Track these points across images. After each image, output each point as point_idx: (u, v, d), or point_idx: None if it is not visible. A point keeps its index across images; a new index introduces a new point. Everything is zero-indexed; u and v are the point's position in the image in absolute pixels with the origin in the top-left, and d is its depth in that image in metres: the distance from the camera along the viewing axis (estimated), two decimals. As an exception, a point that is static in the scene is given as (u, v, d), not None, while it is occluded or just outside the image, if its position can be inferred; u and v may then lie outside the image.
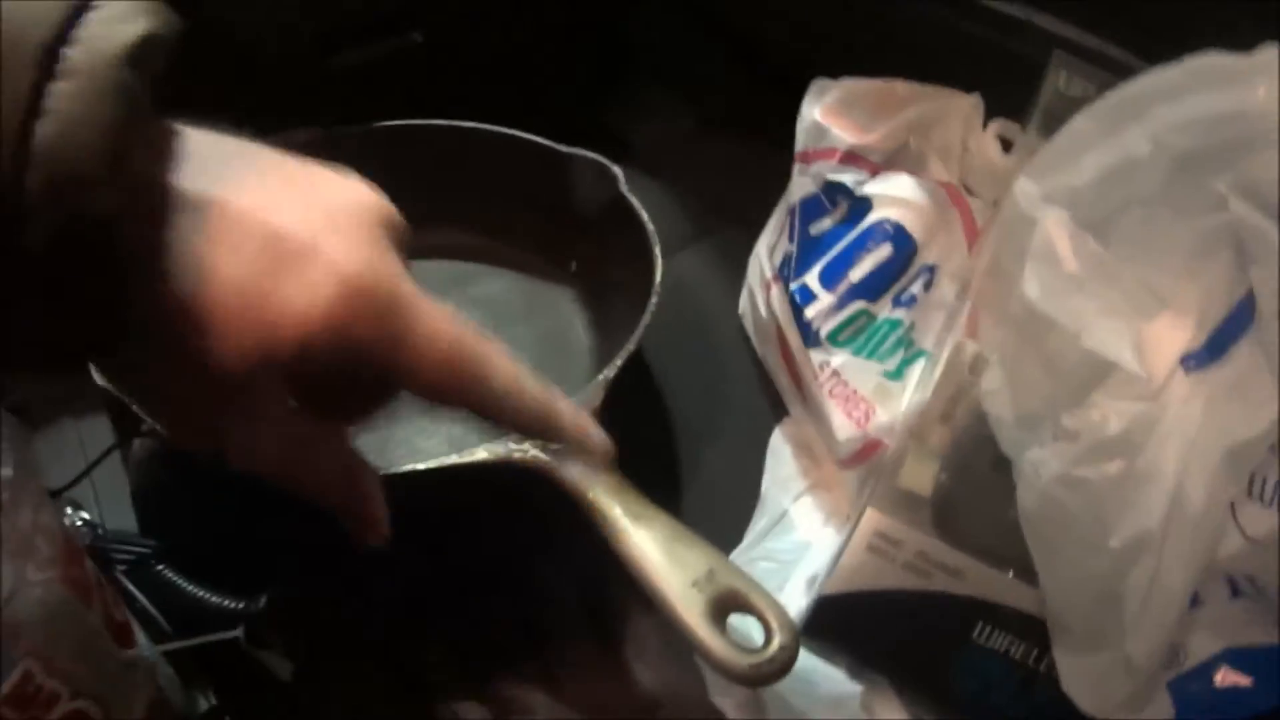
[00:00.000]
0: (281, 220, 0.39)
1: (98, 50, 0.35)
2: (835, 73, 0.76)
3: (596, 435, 0.51)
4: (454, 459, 0.60)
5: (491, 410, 0.45)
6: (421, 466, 0.60)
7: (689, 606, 0.50)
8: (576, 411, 0.50)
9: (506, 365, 0.45)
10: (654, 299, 0.68)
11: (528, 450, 0.58)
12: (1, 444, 0.47)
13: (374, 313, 0.40)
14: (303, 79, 0.85)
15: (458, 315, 0.43)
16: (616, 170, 0.78)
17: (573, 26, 0.99)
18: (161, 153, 0.39)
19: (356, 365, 0.41)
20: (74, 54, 0.35)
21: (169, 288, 0.38)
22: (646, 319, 0.67)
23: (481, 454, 0.60)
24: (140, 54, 0.36)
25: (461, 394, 0.44)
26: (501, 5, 0.93)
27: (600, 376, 0.64)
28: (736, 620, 0.51)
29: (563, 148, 0.81)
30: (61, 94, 0.34)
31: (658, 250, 0.71)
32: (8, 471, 0.45)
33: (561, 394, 0.49)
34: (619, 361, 0.65)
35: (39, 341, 0.38)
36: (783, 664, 0.49)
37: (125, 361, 0.42)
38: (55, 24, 0.35)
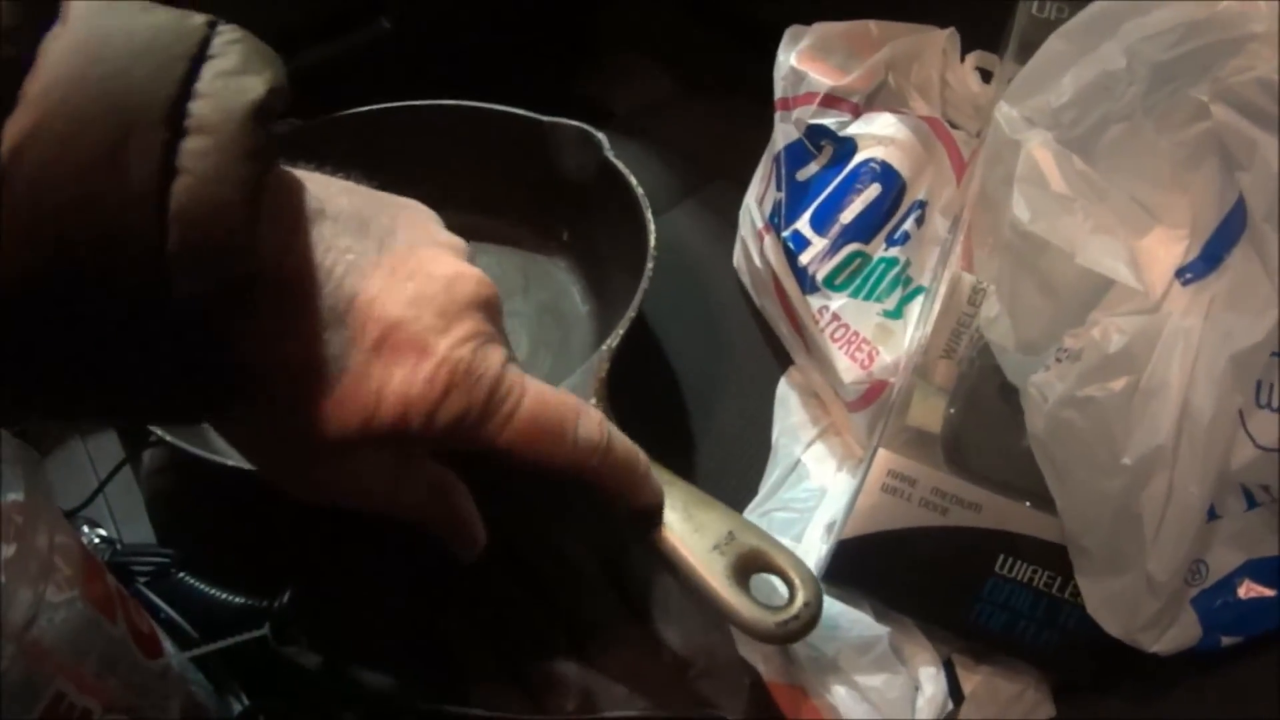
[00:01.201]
0: (396, 313, 0.42)
1: (226, 106, 0.35)
2: (808, 21, 0.76)
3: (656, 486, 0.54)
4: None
5: (574, 469, 0.48)
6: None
7: (712, 570, 0.51)
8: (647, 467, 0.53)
9: (591, 426, 0.48)
10: (649, 265, 0.68)
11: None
12: (9, 468, 0.47)
13: (466, 398, 0.43)
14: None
15: (544, 387, 0.46)
16: (601, 136, 0.77)
17: (541, 9, 0.99)
18: (288, 215, 0.41)
19: (445, 437, 0.44)
20: (202, 109, 0.35)
21: (287, 359, 0.40)
22: (645, 284, 0.67)
23: None
24: (268, 107, 0.36)
25: (544, 458, 0.46)
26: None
27: (604, 346, 0.64)
28: (759, 580, 0.52)
29: (544, 118, 0.80)
30: (194, 151, 0.34)
31: (649, 215, 0.71)
32: (17, 495, 0.46)
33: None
34: (621, 330, 0.64)
35: (163, 397, 0.39)
36: (808, 620, 0.50)
37: (235, 418, 0.43)
38: (177, 78, 0.35)
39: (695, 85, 1.00)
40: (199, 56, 0.36)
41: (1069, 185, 0.52)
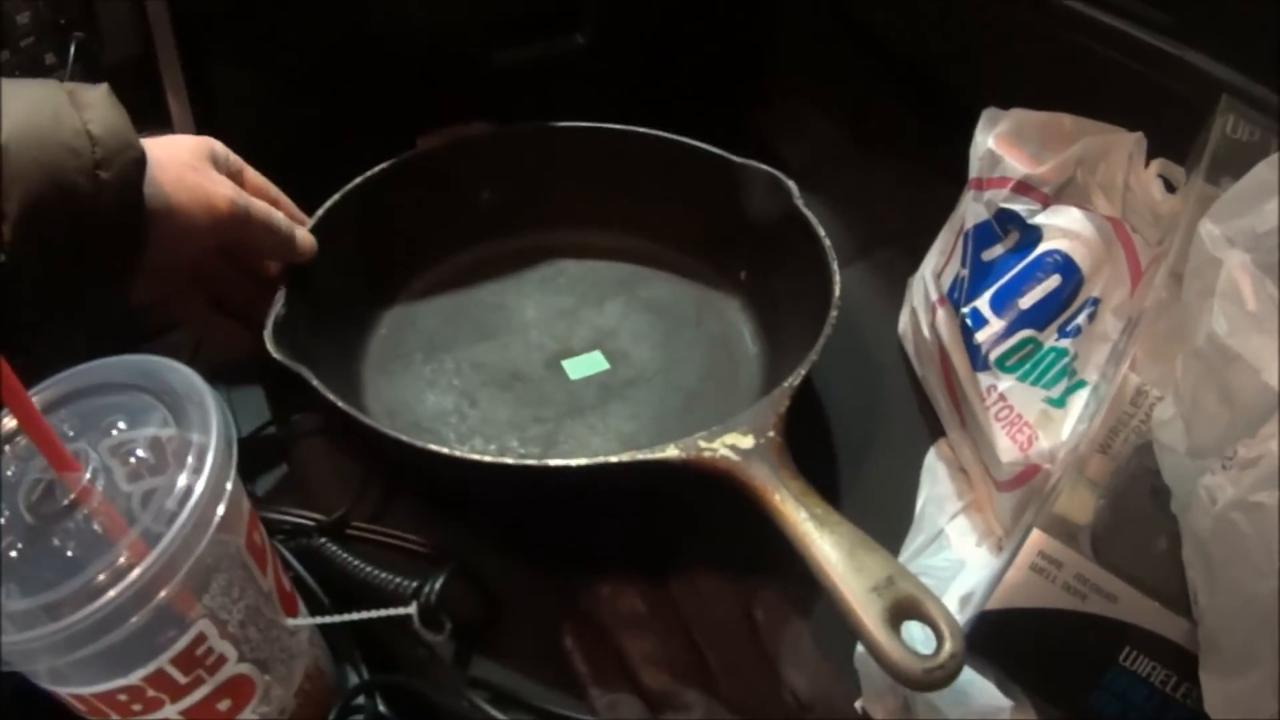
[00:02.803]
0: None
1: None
2: (978, 101, 0.83)
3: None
4: (644, 454, 0.66)
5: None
6: (614, 459, 0.66)
7: (868, 610, 0.57)
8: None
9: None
10: (833, 313, 0.74)
11: (717, 450, 0.65)
12: (203, 410, 0.53)
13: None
14: (467, 75, 0.93)
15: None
16: (790, 184, 0.84)
17: (726, 45, 1.07)
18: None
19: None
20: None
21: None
22: (828, 330, 0.73)
23: (672, 450, 0.66)
24: None
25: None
26: (661, 20, 1.01)
27: (785, 384, 0.70)
28: (908, 627, 0.57)
29: (736, 158, 0.87)
30: None
31: (835, 265, 0.78)
32: (212, 436, 0.52)
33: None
34: (803, 371, 0.71)
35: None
36: (952, 671, 0.55)
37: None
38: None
39: (867, 146, 1.05)
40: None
41: (1259, 306, 0.57)
